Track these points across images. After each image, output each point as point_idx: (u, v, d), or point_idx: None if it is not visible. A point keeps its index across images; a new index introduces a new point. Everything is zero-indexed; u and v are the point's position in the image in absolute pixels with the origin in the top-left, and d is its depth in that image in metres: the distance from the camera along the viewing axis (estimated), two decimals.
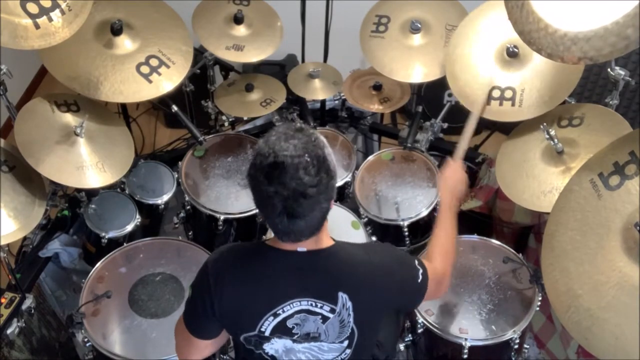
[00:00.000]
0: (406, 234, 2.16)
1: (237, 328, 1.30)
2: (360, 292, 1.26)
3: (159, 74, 2.02)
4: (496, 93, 1.95)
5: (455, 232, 1.59)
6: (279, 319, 1.25)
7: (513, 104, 1.92)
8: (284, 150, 1.11)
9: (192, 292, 1.32)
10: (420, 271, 1.36)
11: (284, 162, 1.10)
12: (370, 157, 2.40)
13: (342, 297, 1.24)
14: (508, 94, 1.93)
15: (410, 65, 2.27)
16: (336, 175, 1.20)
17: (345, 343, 1.31)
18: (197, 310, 1.30)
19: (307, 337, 1.28)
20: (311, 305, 1.25)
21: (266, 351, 1.31)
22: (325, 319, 1.26)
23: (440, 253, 1.51)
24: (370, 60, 2.31)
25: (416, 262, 1.38)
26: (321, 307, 1.25)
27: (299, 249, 1.24)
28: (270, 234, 2.01)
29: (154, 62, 2.02)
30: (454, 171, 1.71)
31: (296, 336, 1.28)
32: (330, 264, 1.26)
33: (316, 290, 1.24)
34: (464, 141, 1.79)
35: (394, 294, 1.33)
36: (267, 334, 1.27)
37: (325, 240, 1.27)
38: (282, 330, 1.27)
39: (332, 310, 1.25)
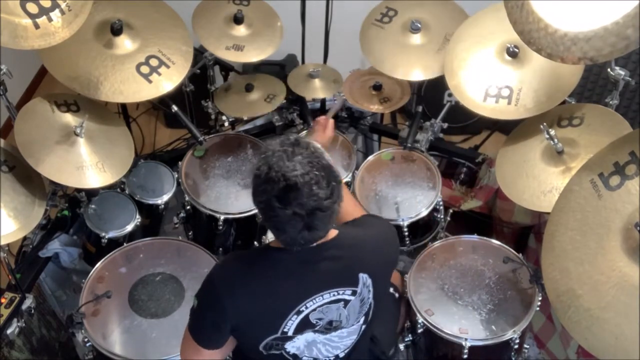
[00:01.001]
0: (406, 234, 2.16)
1: (256, 334, 1.28)
2: (377, 267, 1.30)
3: (159, 74, 2.02)
4: (493, 90, 1.95)
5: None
6: (302, 315, 1.26)
7: (509, 103, 1.93)
8: (291, 170, 1.11)
9: (199, 303, 1.29)
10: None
11: (296, 183, 1.11)
12: (370, 157, 2.39)
13: (363, 277, 1.27)
14: (505, 92, 1.94)
15: (398, 62, 2.27)
16: (341, 187, 1.22)
17: (362, 319, 1.33)
18: (205, 322, 1.28)
19: (330, 327, 1.30)
20: (333, 295, 1.26)
21: (287, 350, 1.31)
22: (346, 303, 1.28)
23: (356, 205, 1.62)
24: (362, 46, 2.32)
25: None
26: (343, 293, 1.26)
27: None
28: (270, 236, 2.01)
29: (154, 62, 2.02)
30: (328, 129, 1.77)
31: (318, 326, 1.29)
32: (343, 250, 1.28)
33: (336, 278, 1.26)
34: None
35: (396, 255, 1.44)
36: (290, 333, 1.27)
37: (330, 232, 1.29)
38: (305, 325, 1.27)
39: (354, 293, 1.27)
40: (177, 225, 2.30)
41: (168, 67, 2.04)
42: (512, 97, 1.93)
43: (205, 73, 2.54)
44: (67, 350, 2.22)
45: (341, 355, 1.37)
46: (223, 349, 1.34)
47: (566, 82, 1.87)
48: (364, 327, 1.35)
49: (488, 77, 1.98)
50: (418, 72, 2.26)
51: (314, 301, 1.25)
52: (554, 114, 1.89)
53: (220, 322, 1.24)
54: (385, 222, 1.48)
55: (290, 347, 1.30)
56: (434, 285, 1.96)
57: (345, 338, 1.34)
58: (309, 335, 1.29)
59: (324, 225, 1.19)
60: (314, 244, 1.24)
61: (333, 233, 1.29)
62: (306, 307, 1.25)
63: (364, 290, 1.28)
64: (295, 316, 1.25)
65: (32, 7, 1.57)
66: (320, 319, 1.28)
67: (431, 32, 2.27)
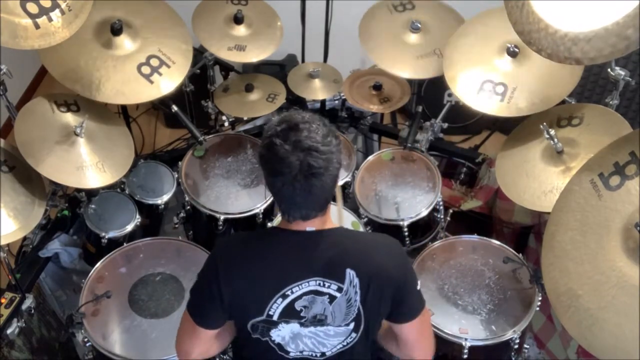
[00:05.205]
0: (406, 234, 2.16)
1: (245, 314, 1.31)
2: (367, 268, 1.29)
3: (160, 74, 2.02)
4: (488, 86, 1.97)
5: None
6: (287, 300, 1.28)
7: (502, 100, 1.94)
8: (296, 118, 1.24)
9: (199, 279, 1.34)
10: (420, 288, 1.37)
11: (297, 124, 1.22)
12: (370, 157, 2.39)
13: (350, 273, 1.27)
14: (499, 89, 1.95)
15: (392, 55, 2.29)
16: (341, 150, 1.27)
17: (352, 326, 1.33)
18: (202, 298, 1.32)
19: (314, 320, 1.31)
20: (319, 285, 1.27)
21: (272, 338, 1.33)
22: (332, 298, 1.29)
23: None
24: (360, 31, 2.34)
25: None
26: (329, 287, 1.28)
27: (308, 229, 1.28)
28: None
29: (154, 62, 2.02)
30: None
31: (304, 319, 1.31)
32: (338, 241, 1.31)
33: (324, 267, 1.27)
34: None
35: (396, 275, 1.32)
36: (275, 318, 1.29)
37: (330, 223, 1.33)
38: (290, 313, 1.29)
39: (340, 289, 1.28)
40: (177, 225, 2.30)
41: (169, 66, 2.04)
42: (505, 95, 1.93)
43: (205, 73, 2.54)
44: (67, 350, 2.21)
45: (328, 353, 1.37)
46: (220, 333, 1.37)
47: (564, 84, 1.88)
48: (354, 334, 1.35)
49: (485, 73, 1.98)
50: (408, 71, 2.28)
51: (300, 287, 1.27)
52: (553, 114, 1.90)
53: (217, 296, 1.28)
54: (396, 243, 1.40)
55: (276, 335, 1.32)
56: (434, 285, 1.96)
57: (332, 337, 1.34)
58: (294, 327, 1.32)
59: (320, 175, 1.19)
60: (314, 229, 1.28)
61: (334, 224, 1.34)
62: (292, 292, 1.27)
63: (350, 290, 1.28)
64: (281, 299, 1.28)
65: (32, 7, 1.57)
66: (305, 307, 1.29)
67: (431, 33, 2.28)
